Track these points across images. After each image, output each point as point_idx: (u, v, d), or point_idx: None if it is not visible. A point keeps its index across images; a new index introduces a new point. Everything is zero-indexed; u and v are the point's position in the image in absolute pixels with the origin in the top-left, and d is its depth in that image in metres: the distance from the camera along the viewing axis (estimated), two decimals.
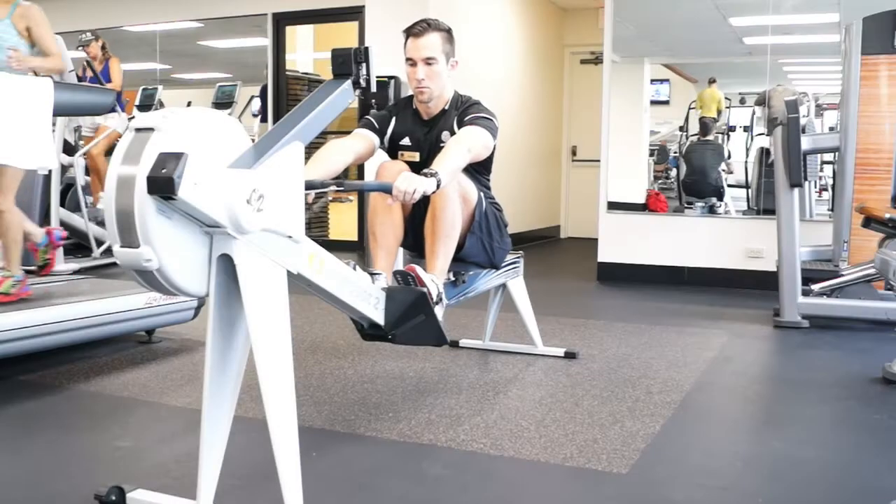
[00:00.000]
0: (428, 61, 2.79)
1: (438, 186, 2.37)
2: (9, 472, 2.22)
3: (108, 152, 6.25)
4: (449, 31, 2.85)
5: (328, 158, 2.68)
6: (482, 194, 2.90)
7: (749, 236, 5.56)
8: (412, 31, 2.81)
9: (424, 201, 2.58)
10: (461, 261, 2.92)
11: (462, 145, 2.63)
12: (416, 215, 2.86)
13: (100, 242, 5.94)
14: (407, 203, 2.34)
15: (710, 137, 6.53)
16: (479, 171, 2.98)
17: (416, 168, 2.61)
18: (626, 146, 6.23)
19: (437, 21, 2.84)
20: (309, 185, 2.31)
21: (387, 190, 2.33)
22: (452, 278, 2.94)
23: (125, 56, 6.81)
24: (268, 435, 1.75)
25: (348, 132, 2.96)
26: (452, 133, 2.82)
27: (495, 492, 2.18)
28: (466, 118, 2.80)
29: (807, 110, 5.50)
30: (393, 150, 2.99)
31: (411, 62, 2.82)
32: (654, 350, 3.71)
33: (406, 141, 2.95)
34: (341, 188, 2.41)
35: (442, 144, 2.79)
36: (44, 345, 3.12)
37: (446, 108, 2.92)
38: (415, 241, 2.92)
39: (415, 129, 2.95)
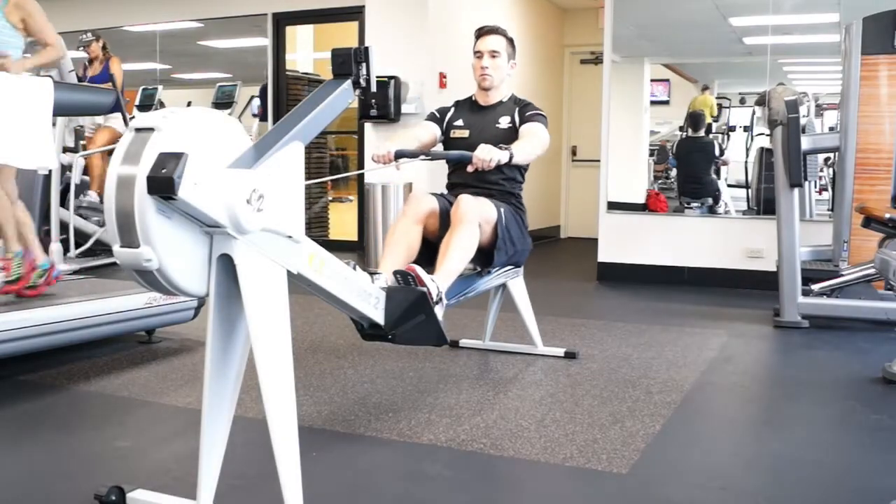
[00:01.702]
0: (493, 54, 3.27)
1: (511, 160, 2.88)
2: (9, 472, 2.22)
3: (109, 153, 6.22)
4: (512, 40, 3.33)
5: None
6: (502, 210, 3.09)
7: (749, 236, 5.56)
8: (482, 31, 3.30)
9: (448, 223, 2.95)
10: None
11: (537, 138, 3.14)
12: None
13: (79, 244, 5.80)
14: (486, 169, 2.81)
15: (702, 133, 6.46)
16: (519, 166, 3.22)
17: (462, 144, 3.17)
18: (626, 146, 6.23)
19: (503, 28, 3.34)
20: (400, 154, 2.97)
21: (466, 160, 2.82)
22: (478, 269, 3.17)
23: (125, 56, 6.81)
24: (268, 435, 1.75)
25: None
26: (512, 120, 3.26)
27: (495, 492, 2.18)
28: (528, 113, 3.24)
29: (807, 110, 5.49)
30: (448, 132, 3.36)
31: (479, 54, 3.29)
32: (654, 350, 3.71)
33: (459, 122, 3.36)
34: (429, 157, 3.02)
35: (498, 125, 3.26)
36: (44, 345, 3.12)
37: (503, 100, 3.35)
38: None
39: (469, 114, 3.37)
